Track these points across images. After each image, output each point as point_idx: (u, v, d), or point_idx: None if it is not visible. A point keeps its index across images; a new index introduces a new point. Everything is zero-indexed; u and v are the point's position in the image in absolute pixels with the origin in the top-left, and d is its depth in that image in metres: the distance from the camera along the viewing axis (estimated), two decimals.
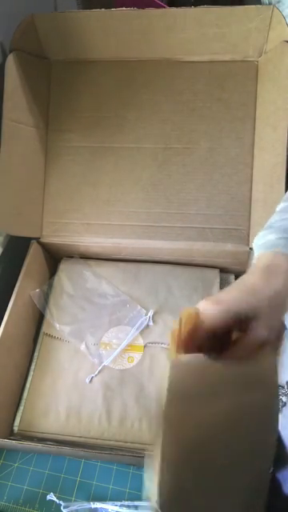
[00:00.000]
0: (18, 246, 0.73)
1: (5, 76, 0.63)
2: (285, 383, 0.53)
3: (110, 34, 0.68)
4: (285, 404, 0.54)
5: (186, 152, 0.70)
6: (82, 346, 0.68)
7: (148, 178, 0.71)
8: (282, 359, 0.58)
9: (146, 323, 0.70)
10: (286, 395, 0.53)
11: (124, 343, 0.68)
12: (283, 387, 0.53)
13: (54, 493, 0.58)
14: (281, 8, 0.61)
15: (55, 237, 0.74)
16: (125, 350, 0.68)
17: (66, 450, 0.55)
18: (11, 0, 0.65)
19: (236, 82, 0.69)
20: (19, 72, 0.66)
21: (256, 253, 0.40)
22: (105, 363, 0.66)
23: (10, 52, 0.64)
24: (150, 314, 0.70)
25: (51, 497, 0.58)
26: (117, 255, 0.77)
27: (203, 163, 0.70)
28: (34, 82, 0.69)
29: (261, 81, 0.68)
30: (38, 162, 0.73)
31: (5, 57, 0.64)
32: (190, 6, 0.63)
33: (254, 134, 0.69)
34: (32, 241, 0.73)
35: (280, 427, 0.55)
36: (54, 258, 0.79)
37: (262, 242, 0.39)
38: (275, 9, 0.60)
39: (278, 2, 0.90)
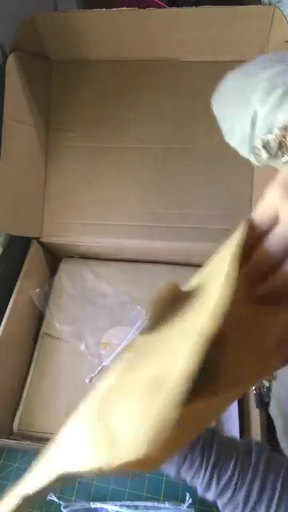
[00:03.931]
0: (18, 246, 0.73)
1: (5, 76, 0.63)
2: None
3: (111, 34, 0.67)
4: (269, 388, 0.54)
5: (187, 152, 0.70)
6: (82, 346, 0.68)
7: (148, 178, 0.71)
8: None
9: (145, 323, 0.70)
10: (267, 380, 0.53)
11: (124, 343, 0.68)
12: None
13: (54, 493, 0.58)
14: (281, 8, 0.61)
15: (55, 237, 0.74)
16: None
17: None
18: (11, 0, 0.65)
19: None
20: (20, 72, 0.66)
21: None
22: (104, 363, 0.66)
23: (11, 52, 0.64)
24: None
25: (51, 497, 0.58)
26: (117, 255, 0.77)
27: (204, 163, 0.70)
28: (34, 81, 0.69)
29: None
30: (39, 162, 0.73)
31: (5, 57, 0.64)
32: (191, 6, 0.63)
33: None
34: (32, 241, 0.73)
35: (270, 410, 0.55)
36: (54, 257, 0.79)
37: None
38: (276, 9, 0.60)
39: (279, 2, 0.90)
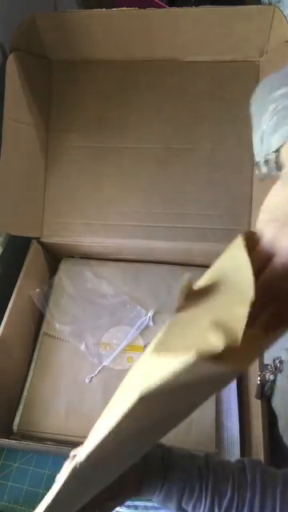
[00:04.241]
0: (18, 246, 0.73)
1: (6, 76, 0.63)
2: (271, 361, 0.52)
3: (111, 34, 0.67)
4: (273, 381, 0.53)
5: (187, 152, 0.70)
6: (82, 346, 0.68)
7: (149, 179, 0.71)
8: None
9: (146, 323, 0.70)
10: (272, 373, 0.52)
11: (124, 343, 0.68)
12: (269, 365, 0.52)
13: None
14: (281, 8, 0.61)
15: (56, 237, 0.74)
16: (124, 351, 0.68)
17: (66, 449, 0.55)
18: (11, 0, 0.65)
19: (237, 83, 0.69)
20: (20, 72, 0.66)
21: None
22: (104, 363, 0.66)
23: (11, 52, 0.64)
24: (150, 314, 0.70)
25: None
26: (117, 255, 0.77)
27: (204, 164, 0.70)
28: (35, 81, 0.69)
29: None
30: (39, 162, 0.73)
31: (5, 57, 0.64)
32: (191, 6, 0.63)
33: None
34: (32, 241, 0.73)
35: (273, 402, 0.55)
36: (55, 258, 0.79)
37: None
38: (276, 9, 0.60)
39: (279, 2, 0.90)
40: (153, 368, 0.22)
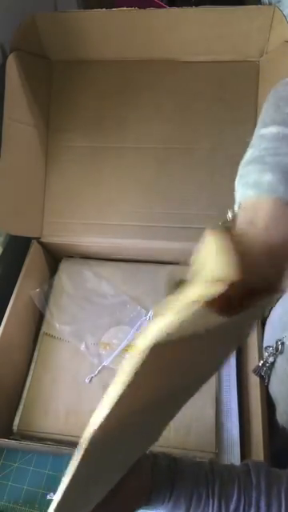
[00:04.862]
0: (18, 246, 0.73)
1: (6, 76, 0.63)
2: (273, 343, 0.52)
3: (111, 34, 0.67)
4: (272, 364, 0.53)
5: (187, 152, 0.70)
6: (82, 346, 0.68)
7: (148, 178, 0.71)
8: (270, 319, 0.57)
9: (146, 323, 0.70)
10: (273, 355, 0.52)
11: (124, 343, 0.68)
12: (270, 347, 0.52)
13: (54, 493, 0.58)
14: (281, 8, 0.61)
15: (55, 237, 0.74)
16: (124, 351, 0.68)
17: (66, 449, 0.55)
18: (11, 0, 0.65)
19: (237, 83, 0.69)
20: (20, 72, 0.66)
21: (245, 192, 0.31)
22: (104, 363, 0.66)
23: (11, 52, 0.64)
24: (150, 314, 0.70)
25: (51, 497, 0.58)
26: (117, 255, 0.77)
27: (204, 164, 0.70)
28: (34, 81, 0.69)
29: (262, 81, 0.68)
30: (39, 162, 0.73)
31: (5, 57, 0.64)
32: (191, 6, 0.63)
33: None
34: (32, 241, 0.73)
35: (270, 389, 0.55)
36: (54, 257, 0.79)
37: (253, 180, 0.30)
38: (276, 9, 0.60)
39: (278, 2, 0.90)
40: (158, 323, 0.24)
